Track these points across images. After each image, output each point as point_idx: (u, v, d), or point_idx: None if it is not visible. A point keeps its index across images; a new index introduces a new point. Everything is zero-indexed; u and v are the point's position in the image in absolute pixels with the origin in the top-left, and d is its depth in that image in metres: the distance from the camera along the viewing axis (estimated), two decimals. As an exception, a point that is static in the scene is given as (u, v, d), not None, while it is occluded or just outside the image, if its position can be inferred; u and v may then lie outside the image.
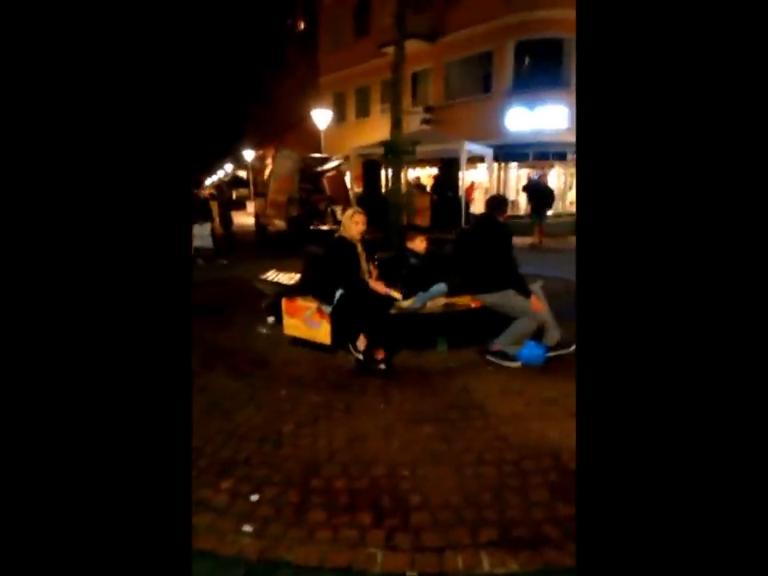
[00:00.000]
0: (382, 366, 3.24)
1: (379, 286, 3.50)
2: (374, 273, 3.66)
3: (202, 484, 2.03)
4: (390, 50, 7.76)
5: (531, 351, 3.34)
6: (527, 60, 12.97)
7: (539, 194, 9.93)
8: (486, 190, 12.57)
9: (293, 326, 3.82)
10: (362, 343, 3.27)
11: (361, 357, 3.27)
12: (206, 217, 8.26)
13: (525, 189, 10.67)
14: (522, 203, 12.44)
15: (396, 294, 3.55)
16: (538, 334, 3.40)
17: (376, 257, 3.88)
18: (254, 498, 1.96)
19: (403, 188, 7.27)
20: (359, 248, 3.53)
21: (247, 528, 1.78)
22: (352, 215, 3.52)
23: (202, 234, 8.04)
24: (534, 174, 12.18)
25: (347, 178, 12.77)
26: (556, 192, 12.66)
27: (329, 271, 3.47)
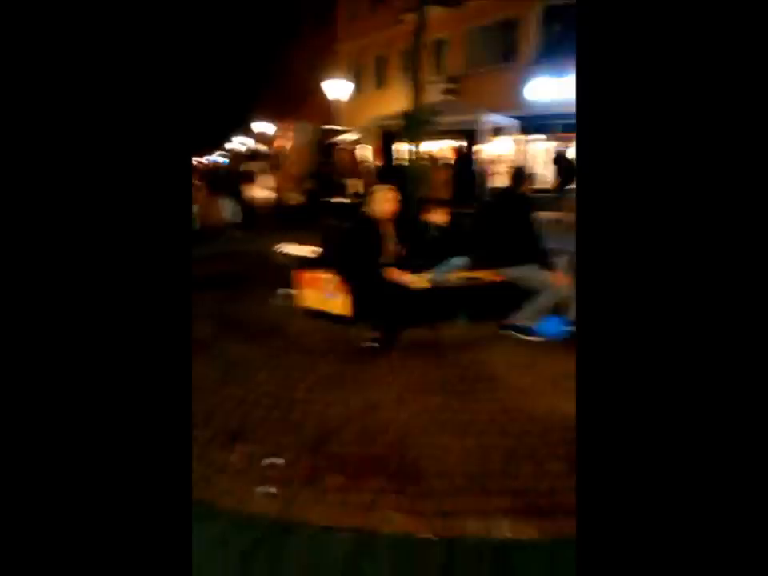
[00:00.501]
0: (376, 344, 3.15)
1: (397, 274, 3.27)
2: (402, 253, 3.43)
3: (216, 447, 2.07)
4: (410, 17, 7.49)
5: (553, 326, 3.28)
6: (556, 26, 12.40)
7: (567, 168, 9.65)
8: (512, 162, 12.24)
9: (308, 298, 3.81)
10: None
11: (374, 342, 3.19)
12: (232, 192, 8.19)
13: (555, 162, 10.38)
14: (549, 176, 12.09)
15: (419, 282, 3.33)
16: (561, 309, 3.34)
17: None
18: (268, 461, 1.98)
19: (424, 161, 7.12)
20: (388, 227, 3.36)
21: (263, 489, 1.81)
22: (380, 192, 3.38)
23: (232, 209, 7.98)
24: (561, 147, 11.77)
25: (367, 152, 12.56)
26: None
27: (349, 252, 3.38)
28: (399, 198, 3.39)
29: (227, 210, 7.89)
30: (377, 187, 3.49)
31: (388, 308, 3.16)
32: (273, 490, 1.80)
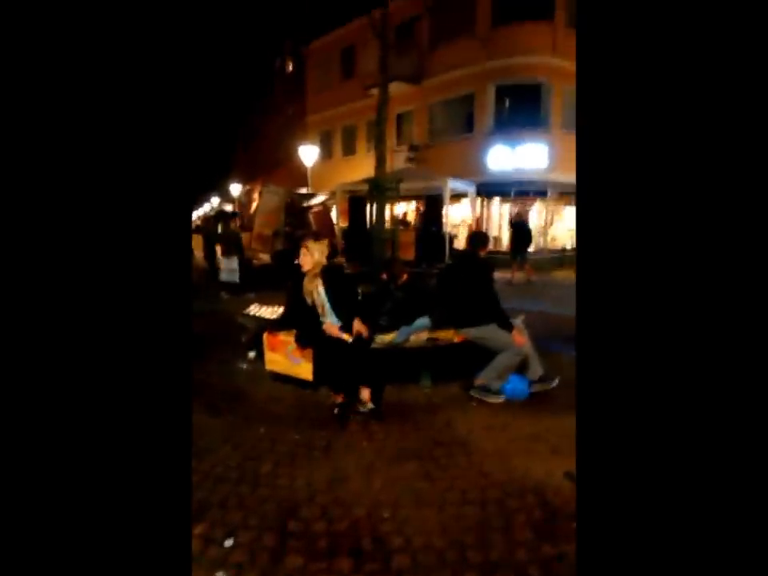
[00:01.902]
0: (365, 408, 3.08)
1: (334, 330, 3.21)
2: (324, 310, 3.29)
3: (173, 529, 1.94)
4: (375, 91, 8.04)
5: (515, 386, 3.33)
6: (507, 102, 13.53)
7: (520, 232, 10.07)
8: (470, 227, 12.82)
9: (274, 361, 3.76)
10: (363, 393, 3.11)
11: (341, 400, 3.11)
12: (236, 250, 8.03)
13: (511, 226, 10.85)
14: (505, 239, 12.69)
15: (347, 338, 3.17)
16: (520, 369, 3.41)
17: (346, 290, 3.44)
18: (229, 542, 1.87)
19: (388, 223, 7.39)
20: (311, 281, 3.26)
21: (220, 575, 1.70)
22: (312, 246, 3.30)
23: (230, 267, 7.84)
24: (516, 211, 12.42)
25: (333, 214, 12.93)
26: (537, 228, 12.98)
27: (289, 309, 3.35)
28: (325, 250, 3.34)
29: (228, 268, 7.77)
30: (309, 242, 3.38)
31: (344, 370, 3.08)
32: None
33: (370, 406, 3.08)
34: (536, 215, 13.71)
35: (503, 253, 11.74)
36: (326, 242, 3.54)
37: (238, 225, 9.72)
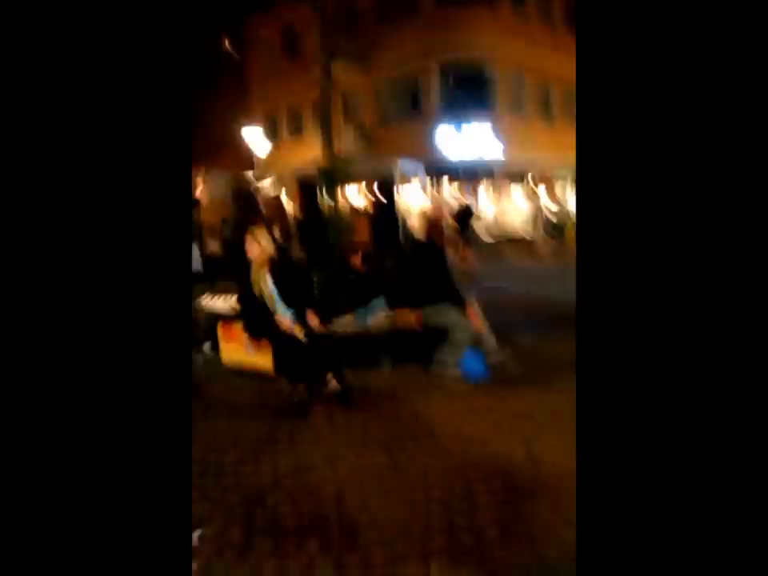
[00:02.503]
0: (333, 389, 3.11)
1: (283, 321, 3.17)
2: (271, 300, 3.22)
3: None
4: (317, 70, 7.85)
5: (473, 366, 3.46)
6: (453, 82, 13.61)
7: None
8: (424, 214, 12.91)
9: (231, 353, 3.71)
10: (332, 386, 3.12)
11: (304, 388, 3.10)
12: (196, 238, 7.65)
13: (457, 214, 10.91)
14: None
15: (298, 332, 3.13)
16: (475, 346, 3.55)
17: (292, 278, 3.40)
18: (195, 535, 1.87)
19: (341, 209, 7.35)
20: (258, 270, 3.23)
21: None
22: (256, 233, 3.27)
23: (193, 257, 7.48)
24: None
25: (283, 198, 12.65)
26: (481, 206, 13.24)
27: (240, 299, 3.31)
28: (269, 237, 3.29)
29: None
30: (254, 229, 3.34)
31: (302, 361, 3.08)
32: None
33: (336, 385, 3.08)
34: (483, 195, 14.02)
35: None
36: (274, 228, 3.46)
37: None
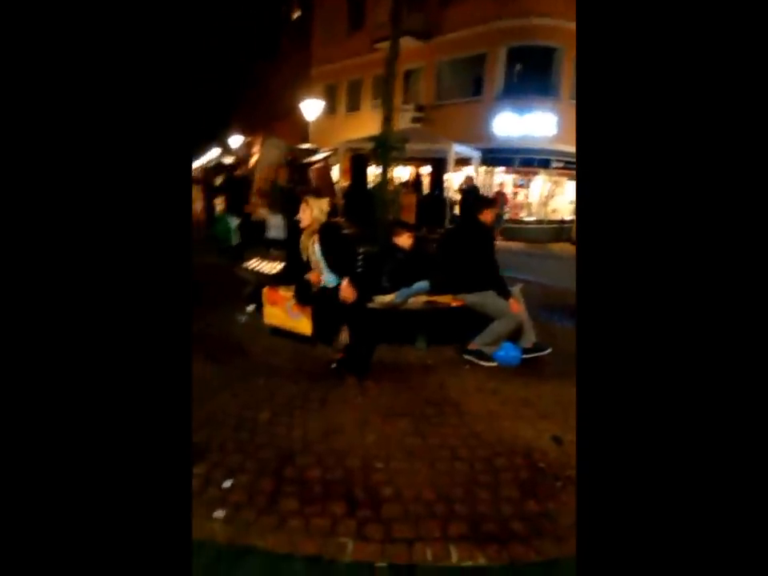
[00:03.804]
0: (336, 365, 3.13)
1: (315, 277, 3.28)
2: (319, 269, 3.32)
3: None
4: (384, 45, 7.74)
5: (507, 353, 3.39)
6: (518, 66, 13.10)
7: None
8: (460, 185, 12.65)
9: (273, 315, 3.79)
10: (343, 338, 3.18)
11: (339, 354, 3.17)
12: (287, 207, 7.57)
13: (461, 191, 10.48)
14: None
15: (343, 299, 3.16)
16: (514, 336, 3.46)
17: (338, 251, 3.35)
18: (227, 484, 1.95)
19: (390, 185, 7.28)
20: (308, 238, 3.27)
21: (218, 513, 1.78)
22: (313, 203, 3.30)
23: (276, 224, 7.57)
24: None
25: (334, 172, 12.69)
26: (538, 199, 12.83)
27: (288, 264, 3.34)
28: (324, 208, 3.30)
29: (275, 225, 7.50)
30: (310, 198, 3.37)
31: (339, 326, 3.14)
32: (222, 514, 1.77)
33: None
34: (539, 186, 13.56)
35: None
36: (326, 199, 3.50)
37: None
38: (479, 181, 13.11)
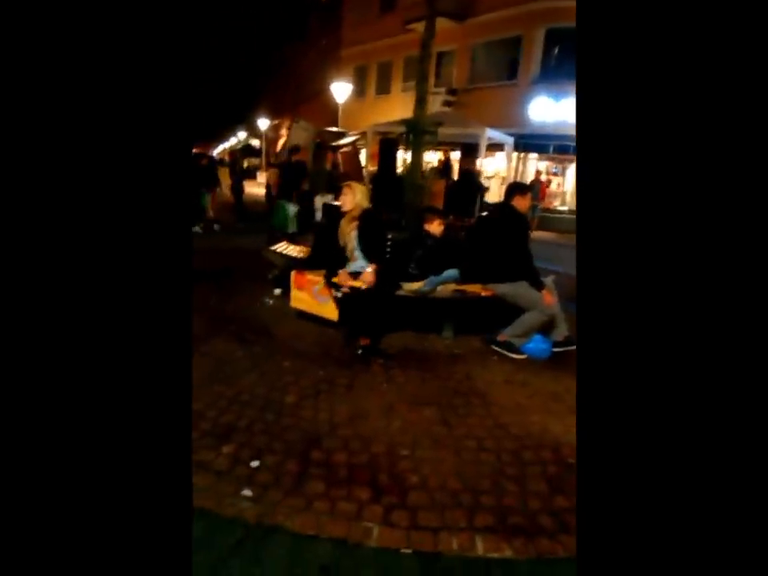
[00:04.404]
0: (361, 351, 3.13)
1: (343, 277, 3.24)
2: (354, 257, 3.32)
3: (203, 446, 2.05)
4: (416, 26, 7.57)
5: (537, 345, 3.33)
6: (556, 49, 12.64)
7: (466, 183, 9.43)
8: (504, 180, 12.40)
9: (300, 300, 3.81)
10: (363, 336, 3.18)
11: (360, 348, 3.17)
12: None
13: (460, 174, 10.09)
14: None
15: (360, 284, 3.17)
16: (546, 329, 3.39)
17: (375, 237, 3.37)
18: (255, 464, 1.97)
19: (421, 171, 7.17)
20: (349, 223, 3.26)
21: (246, 492, 1.80)
22: (347, 184, 3.31)
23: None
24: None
25: (362, 155, 12.61)
26: (572, 188, 12.48)
27: (316, 249, 3.34)
28: (367, 193, 3.28)
29: (320, 209, 7.44)
30: (353, 183, 3.37)
31: (369, 313, 3.13)
32: (249, 493, 1.80)
33: (360, 351, 3.12)
34: (573, 174, 13.17)
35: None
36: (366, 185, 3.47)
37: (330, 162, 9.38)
38: (512, 167, 12.82)
